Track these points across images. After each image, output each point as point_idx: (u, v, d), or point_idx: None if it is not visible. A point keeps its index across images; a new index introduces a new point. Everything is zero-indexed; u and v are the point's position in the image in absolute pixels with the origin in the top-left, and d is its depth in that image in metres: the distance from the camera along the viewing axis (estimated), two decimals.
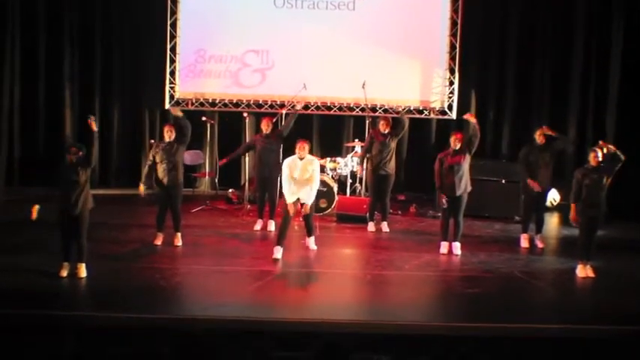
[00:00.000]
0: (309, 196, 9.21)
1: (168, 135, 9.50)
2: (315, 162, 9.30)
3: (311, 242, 9.65)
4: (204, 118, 12.88)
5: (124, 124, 13.81)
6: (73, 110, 13.52)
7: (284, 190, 9.22)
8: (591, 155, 8.69)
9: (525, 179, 10.01)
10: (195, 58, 13.66)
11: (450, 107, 13.66)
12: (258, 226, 10.72)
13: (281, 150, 10.81)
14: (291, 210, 9.10)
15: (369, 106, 12.98)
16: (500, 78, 13.70)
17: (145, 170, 9.75)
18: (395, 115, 12.19)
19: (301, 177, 9.13)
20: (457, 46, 13.51)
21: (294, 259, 9.17)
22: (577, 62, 13.22)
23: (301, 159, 9.19)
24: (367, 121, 12.38)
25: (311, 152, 12.61)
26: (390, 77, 13.50)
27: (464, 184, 9.58)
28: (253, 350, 6.76)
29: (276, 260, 8.95)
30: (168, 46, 13.52)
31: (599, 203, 8.69)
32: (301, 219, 9.57)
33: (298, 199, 9.17)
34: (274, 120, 10.97)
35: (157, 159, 9.49)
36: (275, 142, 10.61)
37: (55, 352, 6.65)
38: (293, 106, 11.46)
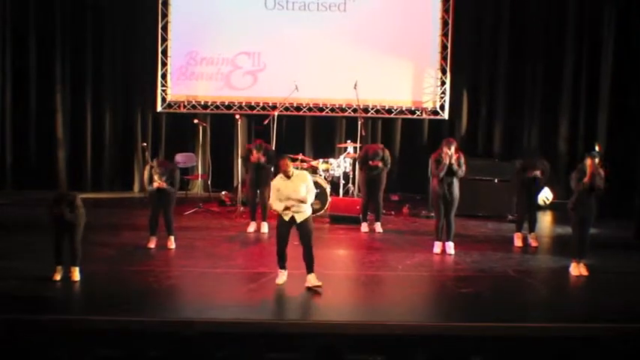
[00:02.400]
0: (304, 214, 8.05)
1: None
2: (306, 176, 8.15)
3: (311, 279, 8.10)
4: (196, 121, 12.87)
5: (115, 127, 13.74)
6: (64, 114, 13.46)
7: (272, 202, 8.14)
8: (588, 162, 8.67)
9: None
10: (186, 60, 13.63)
11: (442, 107, 13.67)
12: (251, 229, 10.70)
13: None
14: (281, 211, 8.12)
15: (361, 107, 13.00)
16: (492, 77, 13.69)
17: (145, 175, 9.71)
18: None
19: (295, 196, 7.96)
20: (448, 45, 13.52)
21: (287, 261, 9.14)
22: (568, 61, 13.23)
23: (289, 177, 8.02)
24: (359, 122, 12.40)
25: (303, 154, 12.76)
26: (381, 78, 13.48)
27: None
28: (247, 352, 6.74)
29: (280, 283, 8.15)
30: (160, 49, 13.48)
31: (590, 204, 8.73)
32: (298, 243, 8.23)
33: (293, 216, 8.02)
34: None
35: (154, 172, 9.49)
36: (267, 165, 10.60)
37: (49, 355, 6.62)
38: None
